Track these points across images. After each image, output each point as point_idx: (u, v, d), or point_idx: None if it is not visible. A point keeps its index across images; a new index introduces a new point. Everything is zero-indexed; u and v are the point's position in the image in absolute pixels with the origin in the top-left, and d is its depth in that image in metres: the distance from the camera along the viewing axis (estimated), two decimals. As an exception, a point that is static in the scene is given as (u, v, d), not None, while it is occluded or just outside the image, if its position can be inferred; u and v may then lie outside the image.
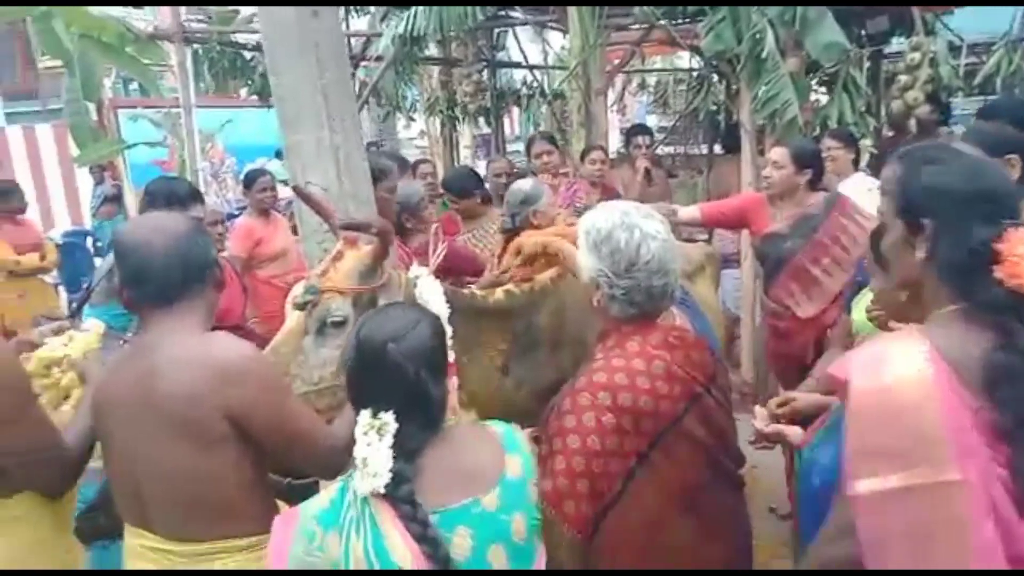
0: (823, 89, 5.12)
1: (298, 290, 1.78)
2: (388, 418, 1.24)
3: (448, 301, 1.85)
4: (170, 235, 1.47)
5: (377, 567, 1.20)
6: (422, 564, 1.20)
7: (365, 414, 1.26)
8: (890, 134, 5.07)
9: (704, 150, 7.86)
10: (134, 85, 10.99)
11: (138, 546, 1.48)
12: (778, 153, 3.17)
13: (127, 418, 1.43)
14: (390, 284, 1.82)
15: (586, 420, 1.37)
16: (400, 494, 1.22)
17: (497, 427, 1.43)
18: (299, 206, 2.67)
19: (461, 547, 1.22)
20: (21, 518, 1.56)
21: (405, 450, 1.24)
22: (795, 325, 2.98)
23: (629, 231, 1.46)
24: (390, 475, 1.21)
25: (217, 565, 1.42)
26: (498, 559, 1.24)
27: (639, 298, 1.48)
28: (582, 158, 4.53)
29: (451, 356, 1.81)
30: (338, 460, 1.52)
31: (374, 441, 1.22)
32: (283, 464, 1.56)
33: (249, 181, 4.46)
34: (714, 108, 7.13)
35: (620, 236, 1.46)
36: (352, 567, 1.21)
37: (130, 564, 1.51)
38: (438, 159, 7.63)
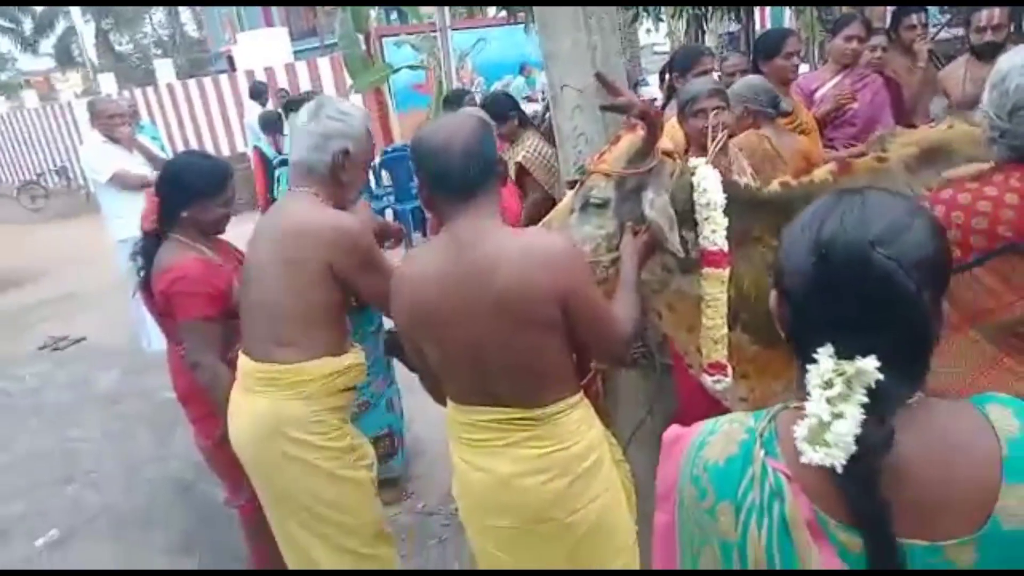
0: None
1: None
2: (867, 364, 0.80)
3: (726, 192, 1.79)
4: (466, 133, 1.53)
5: None
6: None
7: (825, 353, 0.83)
8: None
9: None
10: (394, 14, 11.82)
11: (480, 421, 1.60)
12: None
13: (467, 309, 1.51)
14: (660, 170, 1.79)
15: None
16: (858, 469, 0.80)
17: (1003, 417, 0.85)
18: (555, 113, 2.71)
19: None
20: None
21: (878, 412, 0.81)
22: None
23: None
24: (856, 445, 0.80)
25: (565, 419, 1.58)
26: None
27: (1017, 142, 1.53)
28: (834, 35, 3.68)
29: (725, 246, 1.79)
30: (622, 350, 1.66)
31: (839, 395, 0.81)
32: (578, 342, 1.63)
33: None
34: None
35: (1012, 80, 1.50)
36: (751, 563, 0.87)
37: (466, 440, 1.65)
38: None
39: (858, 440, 0.80)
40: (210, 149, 12.05)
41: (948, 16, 6.80)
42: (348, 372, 1.96)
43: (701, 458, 0.93)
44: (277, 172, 5.73)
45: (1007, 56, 1.58)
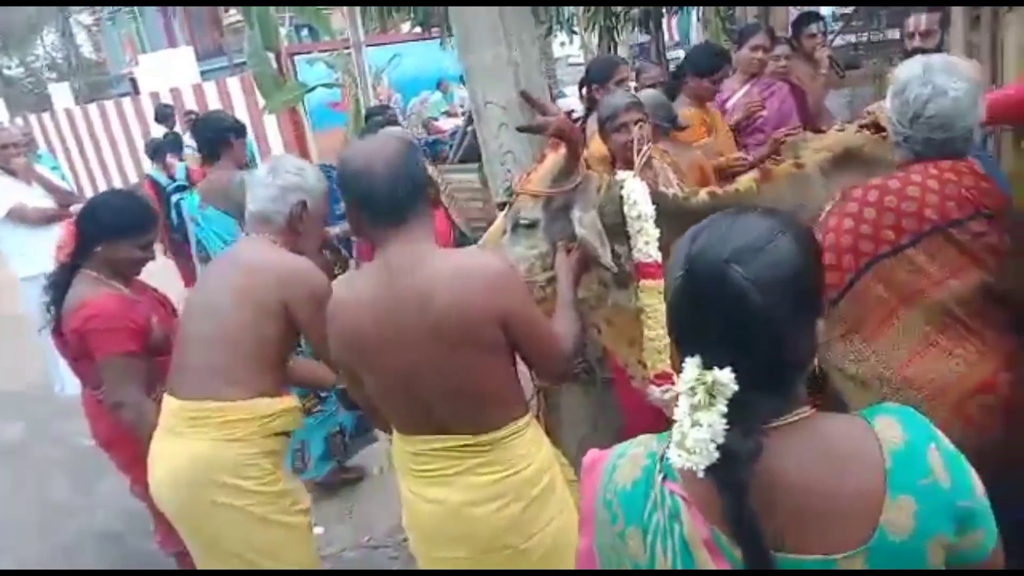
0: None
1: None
2: (724, 376, 0.83)
3: (655, 203, 1.82)
4: (389, 154, 1.50)
5: None
6: None
7: (692, 363, 0.86)
8: None
9: (895, 35, 6.99)
10: (305, 31, 11.61)
11: (428, 450, 1.56)
12: None
13: (402, 336, 1.47)
14: (586, 187, 1.80)
15: (849, 208, 1.67)
16: (725, 478, 0.83)
17: (888, 428, 0.88)
18: (481, 130, 2.70)
19: None
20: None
21: (743, 425, 0.84)
22: None
23: (922, 86, 1.60)
24: (717, 453, 0.83)
25: (515, 442, 1.55)
26: None
27: (918, 147, 1.67)
28: (740, 45, 3.74)
29: (659, 257, 1.81)
30: (563, 367, 1.65)
31: (702, 404, 0.84)
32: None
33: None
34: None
35: (911, 91, 1.62)
36: None
37: (414, 472, 1.60)
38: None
39: (722, 449, 0.83)
40: (115, 176, 11.51)
41: (841, 24, 7.19)
42: (284, 415, 1.91)
43: (612, 483, 0.96)
44: (174, 198, 5.49)
45: (905, 67, 1.69)
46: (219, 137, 3.30)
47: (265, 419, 1.84)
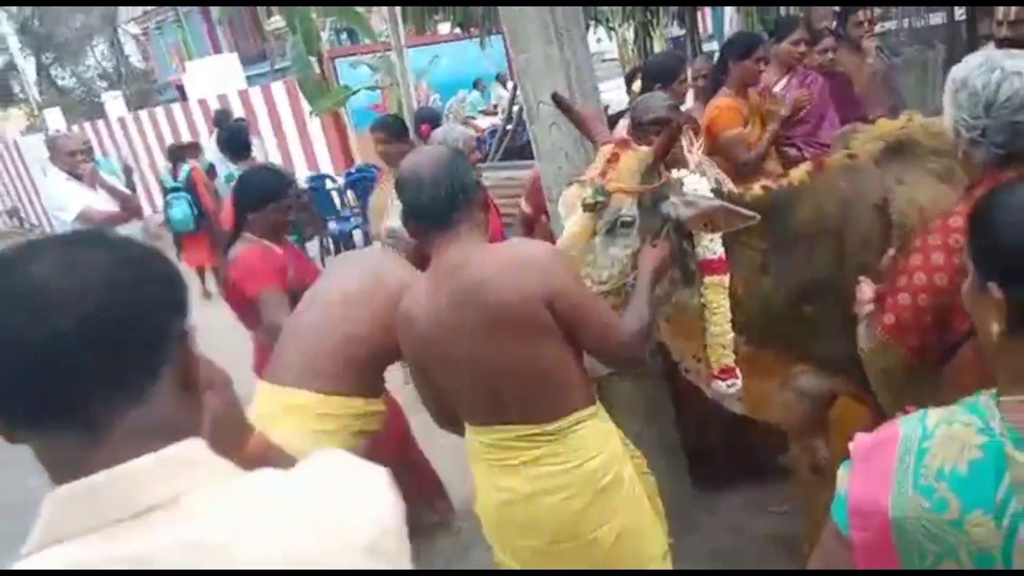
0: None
1: (585, 192, 1.75)
2: None
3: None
4: (433, 163, 1.61)
5: None
6: None
7: None
8: None
9: (937, 20, 6.80)
10: (344, 35, 11.76)
11: (497, 440, 1.63)
12: None
13: (463, 332, 1.55)
14: (671, 184, 1.82)
15: (934, 260, 1.46)
16: None
17: None
18: (534, 129, 2.75)
19: None
20: None
21: None
22: None
23: (988, 73, 1.45)
24: None
25: (579, 432, 1.60)
26: None
27: (1001, 137, 1.45)
28: (779, 39, 3.70)
29: (723, 253, 1.84)
30: (624, 353, 1.64)
31: None
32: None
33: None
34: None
35: (977, 80, 1.46)
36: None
37: (486, 460, 1.68)
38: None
39: None
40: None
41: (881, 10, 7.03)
42: (371, 417, 2.01)
43: (928, 467, 0.88)
44: (169, 197, 6.83)
45: (959, 67, 1.58)
46: (245, 140, 4.68)
47: (356, 418, 1.95)
